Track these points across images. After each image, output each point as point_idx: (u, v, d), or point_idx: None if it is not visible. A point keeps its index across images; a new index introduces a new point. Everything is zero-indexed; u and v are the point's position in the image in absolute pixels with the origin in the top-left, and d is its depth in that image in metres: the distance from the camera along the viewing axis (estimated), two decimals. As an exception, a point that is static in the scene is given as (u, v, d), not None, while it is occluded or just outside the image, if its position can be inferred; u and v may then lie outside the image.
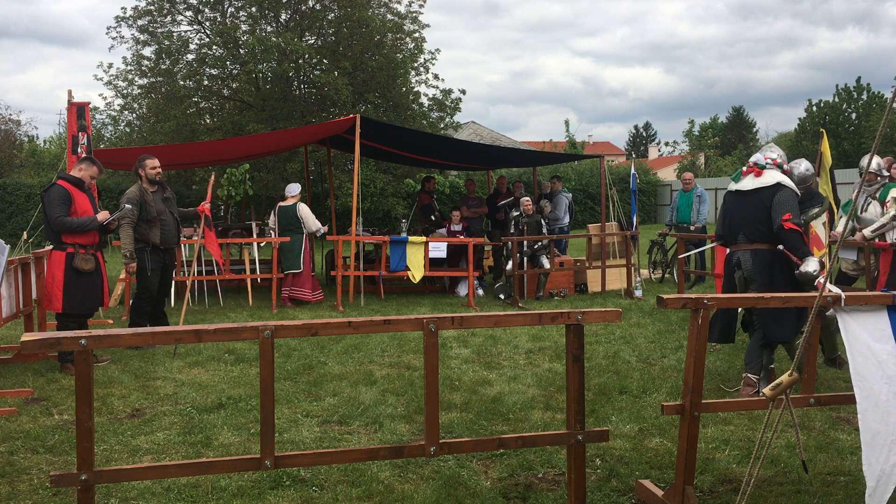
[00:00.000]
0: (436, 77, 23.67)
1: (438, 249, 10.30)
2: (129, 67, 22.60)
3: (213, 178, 9.10)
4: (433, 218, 12.63)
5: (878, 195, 7.81)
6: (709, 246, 10.03)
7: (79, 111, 8.06)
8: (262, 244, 11.21)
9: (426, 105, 23.39)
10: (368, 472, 3.96)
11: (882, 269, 7.31)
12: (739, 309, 5.72)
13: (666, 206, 27.63)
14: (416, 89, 23.24)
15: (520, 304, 10.06)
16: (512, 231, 10.85)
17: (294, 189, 10.34)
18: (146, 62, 22.18)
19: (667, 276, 12.43)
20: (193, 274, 8.56)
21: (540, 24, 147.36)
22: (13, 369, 6.39)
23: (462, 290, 11.01)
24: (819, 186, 8.24)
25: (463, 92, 23.72)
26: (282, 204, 10.33)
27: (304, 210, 10.20)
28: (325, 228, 10.60)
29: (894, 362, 3.20)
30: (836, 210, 8.15)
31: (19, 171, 29.12)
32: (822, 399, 3.77)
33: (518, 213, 10.96)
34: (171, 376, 6.09)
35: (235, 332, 3.04)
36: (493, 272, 12.70)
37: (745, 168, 5.65)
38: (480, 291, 11.11)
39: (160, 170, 7.33)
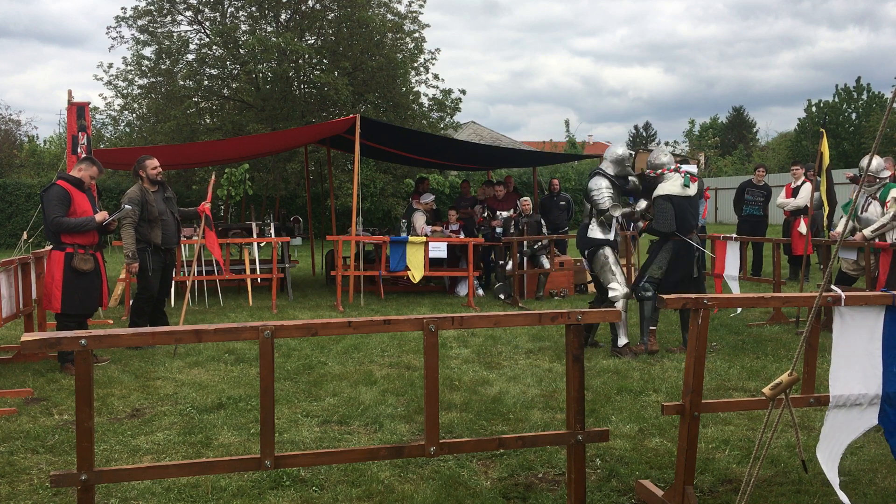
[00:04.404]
0: (436, 77, 23.67)
1: (438, 249, 10.31)
2: (129, 67, 22.59)
3: (213, 178, 9.11)
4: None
5: (878, 195, 7.81)
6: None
7: (79, 111, 8.05)
8: (262, 244, 11.24)
9: (426, 105, 23.37)
10: (368, 472, 3.96)
11: (882, 269, 7.31)
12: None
13: (666, 206, 27.50)
14: (416, 89, 23.23)
15: (520, 304, 10.06)
16: (512, 231, 10.85)
17: (425, 197, 11.88)
18: (146, 62, 22.17)
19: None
20: (193, 274, 8.56)
21: (540, 23, 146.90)
22: (13, 369, 6.39)
23: (462, 290, 11.01)
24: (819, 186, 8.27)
25: (463, 92, 23.71)
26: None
27: (412, 215, 11.74)
28: (424, 230, 11.31)
29: (871, 363, 3.24)
30: (825, 209, 8.15)
31: (19, 171, 29.05)
32: (822, 399, 3.76)
33: (518, 212, 10.96)
34: (171, 376, 6.09)
35: (235, 332, 3.04)
36: (493, 272, 12.69)
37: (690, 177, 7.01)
38: (480, 291, 11.11)
39: (160, 169, 7.33)
